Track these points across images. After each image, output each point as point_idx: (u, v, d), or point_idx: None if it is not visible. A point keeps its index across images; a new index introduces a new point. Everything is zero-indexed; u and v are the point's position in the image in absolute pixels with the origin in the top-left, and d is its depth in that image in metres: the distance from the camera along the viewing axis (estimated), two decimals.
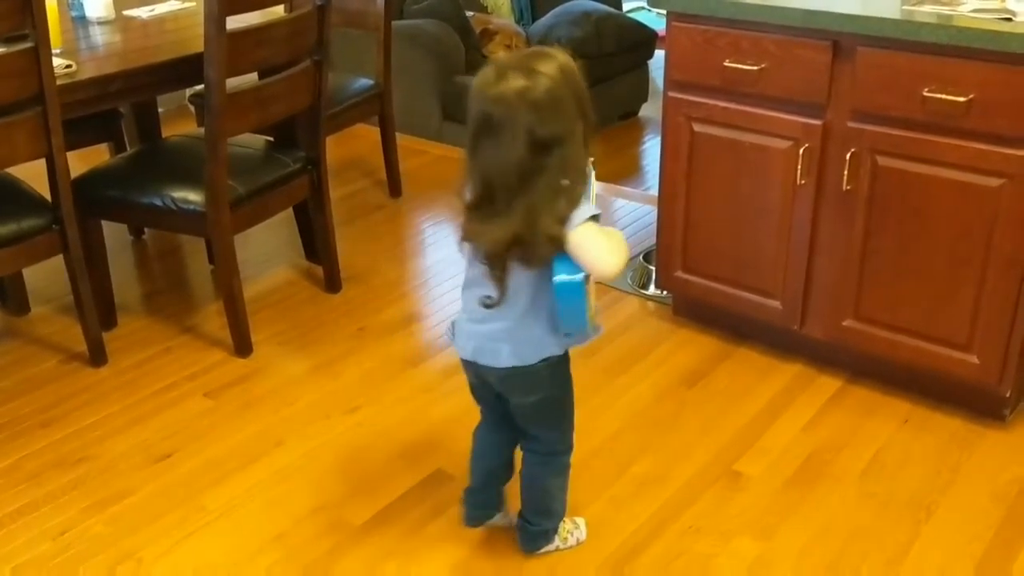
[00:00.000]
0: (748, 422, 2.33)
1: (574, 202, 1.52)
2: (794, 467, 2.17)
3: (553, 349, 1.67)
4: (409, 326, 2.80)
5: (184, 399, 2.44)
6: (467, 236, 1.60)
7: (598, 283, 1.75)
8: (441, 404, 2.41)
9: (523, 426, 1.79)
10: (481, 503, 1.94)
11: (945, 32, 1.99)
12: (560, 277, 1.55)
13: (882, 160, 2.16)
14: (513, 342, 1.64)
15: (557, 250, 1.53)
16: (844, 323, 2.36)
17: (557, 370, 1.71)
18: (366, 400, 2.44)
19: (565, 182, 1.50)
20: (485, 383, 1.75)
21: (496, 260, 1.56)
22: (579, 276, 1.55)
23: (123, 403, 2.42)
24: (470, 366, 1.73)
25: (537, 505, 1.87)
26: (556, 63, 1.49)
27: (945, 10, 2.08)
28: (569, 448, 1.84)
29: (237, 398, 2.45)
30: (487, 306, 1.62)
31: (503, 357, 1.65)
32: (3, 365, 2.59)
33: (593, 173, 1.59)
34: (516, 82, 1.45)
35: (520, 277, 1.59)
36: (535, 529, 1.88)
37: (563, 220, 1.51)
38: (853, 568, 1.88)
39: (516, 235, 1.51)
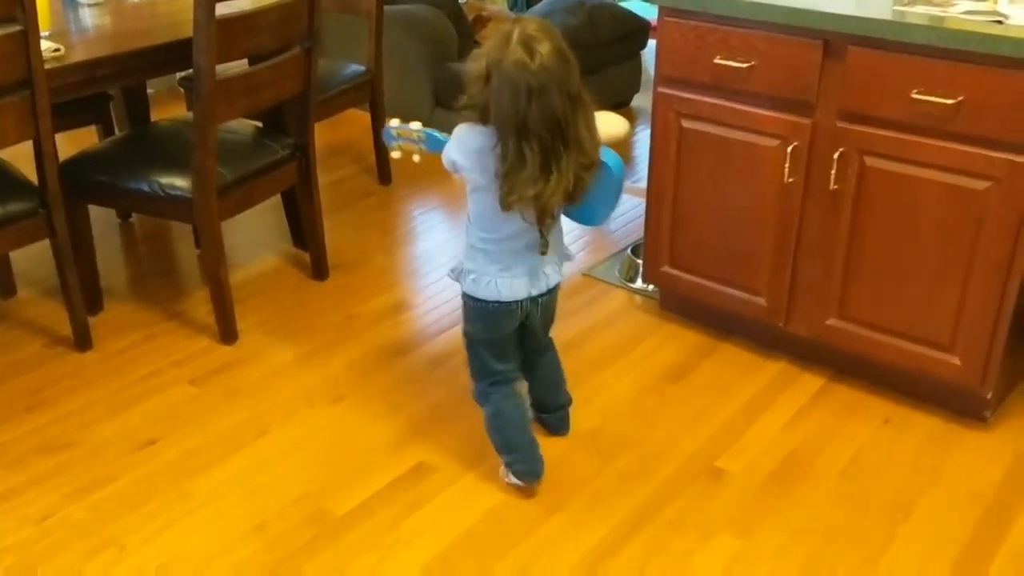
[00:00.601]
0: (730, 418, 2.34)
1: (595, 133, 1.84)
2: (774, 465, 2.19)
3: (566, 256, 2.06)
4: (397, 315, 2.80)
5: (169, 386, 2.44)
6: (537, 199, 1.78)
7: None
8: (427, 395, 2.41)
9: (542, 336, 2.14)
10: (534, 450, 2.08)
11: (936, 34, 1.99)
12: (610, 159, 1.90)
13: (870, 160, 2.17)
14: (552, 264, 1.98)
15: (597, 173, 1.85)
16: (828, 321, 2.37)
17: None
18: (351, 389, 2.44)
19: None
20: (523, 318, 2.00)
21: (556, 210, 1.86)
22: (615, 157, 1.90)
23: (108, 388, 2.42)
24: (518, 306, 1.96)
25: (565, 382, 2.24)
26: (546, 32, 1.76)
27: (936, 11, 2.08)
28: None
29: (222, 386, 2.45)
30: (544, 253, 1.93)
31: (552, 278, 1.99)
32: None
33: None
34: (546, 49, 1.72)
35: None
36: (571, 406, 2.27)
37: (599, 145, 1.84)
38: (830, 567, 1.90)
39: (575, 180, 1.80)
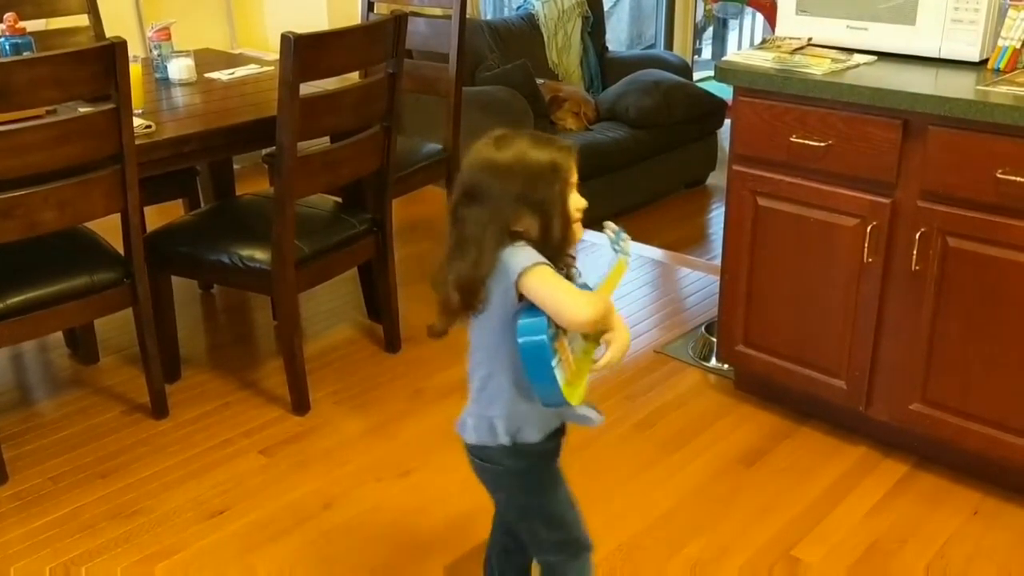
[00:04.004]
0: (809, 505, 2.25)
1: (481, 266, 1.44)
2: (856, 556, 2.09)
3: (518, 433, 1.53)
4: (465, 389, 2.78)
5: (239, 455, 2.46)
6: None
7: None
8: None
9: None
10: None
11: (1021, 114, 1.95)
12: (524, 320, 1.42)
13: (952, 241, 2.10)
14: (474, 413, 1.56)
15: (465, 298, 1.46)
16: (911, 406, 2.28)
17: (522, 465, 1.58)
18: (419, 464, 2.43)
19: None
20: None
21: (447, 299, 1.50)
22: (542, 335, 1.41)
23: (180, 457, 2.45)
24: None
25: None
26: (526, 149, 1.45)
27: (1021, 91, 2.03)
28: (569, 553, 1.68)
29: (291, 456, 2.46)
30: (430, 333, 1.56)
31: (467, 429, 1.58)
32: (69, 413, 2.65)
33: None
34: (487, 140, 1.47)
35: (479, 331, 1.53)
36: None
37: (460, 284, 1.45)
38: None
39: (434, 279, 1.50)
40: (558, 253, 1.48)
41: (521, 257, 1.44)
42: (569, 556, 1.68)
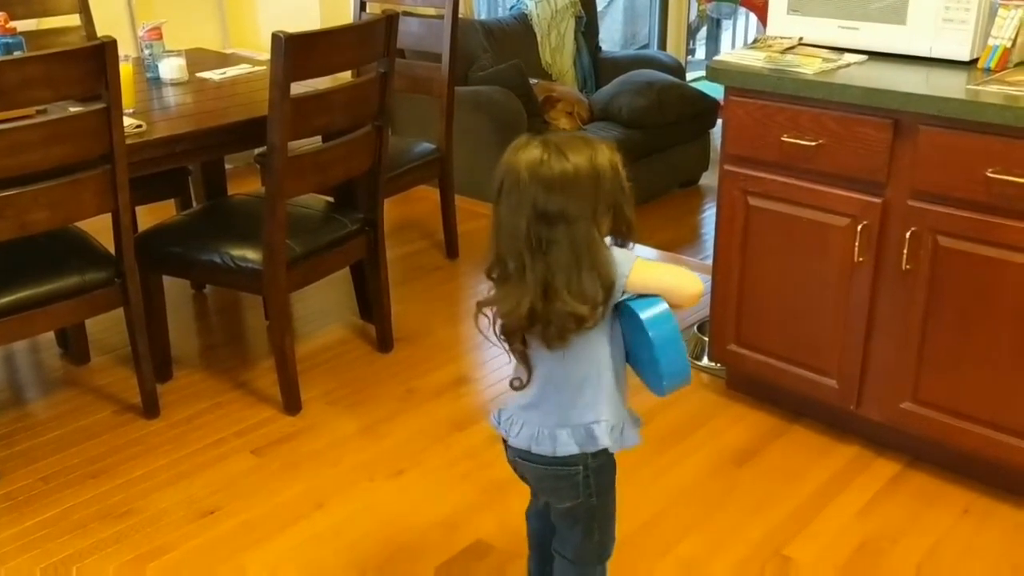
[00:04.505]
0: (800, 504, 2.26)
1: (603, 276, 1.45)
2: (847, 555, 2.09)
3: (621, 435, 1.58)
4: (458, 389, 2.79)
5: (231, 455, 2.46)
6: (484, 303, 1.52)
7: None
8: (486, 471, 2.38)
9: (555, 522, 1.70)
10: None
11: (1012, 113, 1.95)
12: (646, 313, 1.45)
13: (943, 240, 2.11)
14: (556, 428, 1.55)
15: (580, 326, 1.45)
16: (902, 405, 2.29)
17: (602, 463, 1.60)
18: (411, 463, 2.43)
19: (586, 263, 1.44)
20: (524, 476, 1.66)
21: (513, 335, 1.50)
22: (673, 318, 1.45)
23: (171, 457, 2.45)
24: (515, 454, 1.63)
25: None
26: (587, 155, 1.44)
27: (1012, 90, 2.03)
28: (602, 558, 1.71)
29: (283, 456, 2.46)
30: (514, 387, 1.56)
31: (555, 444, 1.55)
32: (60, 414, 2.65)
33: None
34: (533, 153, 1.43)
35: (546, 357, 1.51)
36: None
37: (587, 299, 1.44)
38: None
39: (532, 308, 1.45)
40: (629, 241, 1.53)
41: (619, 256, 1.48)
42: (600, 561, 1.71)
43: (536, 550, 1.82)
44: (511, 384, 1.58)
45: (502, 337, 1.53)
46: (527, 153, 1.44)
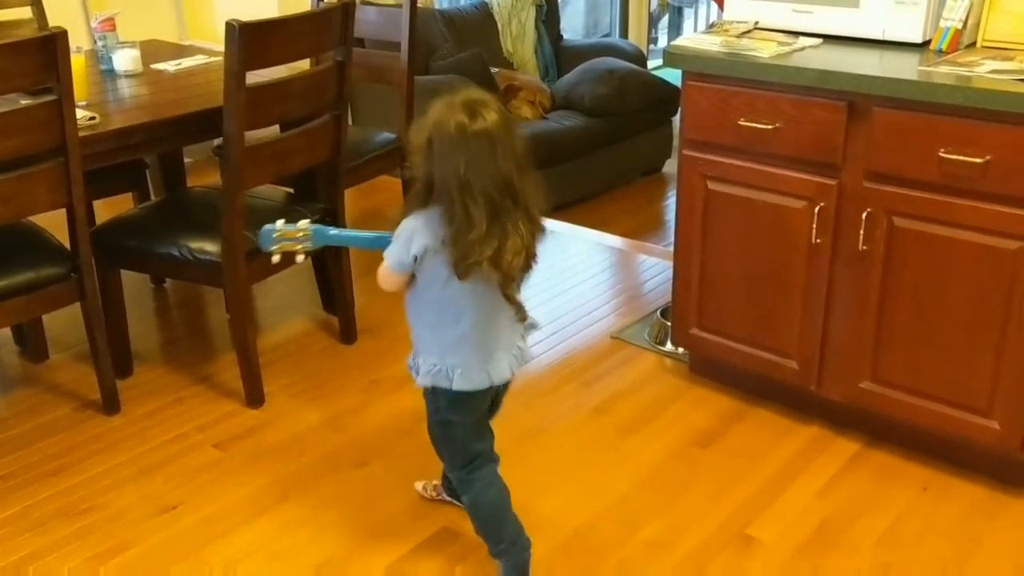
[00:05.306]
0: (762, 485, 2.28)
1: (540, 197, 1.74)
2: (808, 533, 2.12)
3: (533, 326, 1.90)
4: None
5: (193, 450, 2.44)
6: (495, 262, 1.67)
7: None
8: None
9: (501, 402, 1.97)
10: (524, 535, 1.92)
11: (962, 94, 1.98)
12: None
13: (898, 221, 2.13)
14: (521, 335, 1.86)
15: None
16: (861, 385, 2.31)
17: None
18: (375, 455, 2.42)
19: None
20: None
21: (519, 275, 1.75)
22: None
23: (132, 453, 2.42)
24: (490, 391, 1.85)
25: None
26: (490, 100, 1.68)
27: (962, 71, 2.06)
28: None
29: (246, 450, 2.44)
30: (523, 319, 1.83)
31: (526, 352, 1.87)
32: (18, 412, 2.61)
33: None
34: (491, 115, 1.64)
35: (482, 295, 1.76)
36: None
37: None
38: None
39: (530, 244, 1.70)
40: None
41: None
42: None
43: None
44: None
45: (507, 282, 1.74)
46: (488, 112, 1.64)
